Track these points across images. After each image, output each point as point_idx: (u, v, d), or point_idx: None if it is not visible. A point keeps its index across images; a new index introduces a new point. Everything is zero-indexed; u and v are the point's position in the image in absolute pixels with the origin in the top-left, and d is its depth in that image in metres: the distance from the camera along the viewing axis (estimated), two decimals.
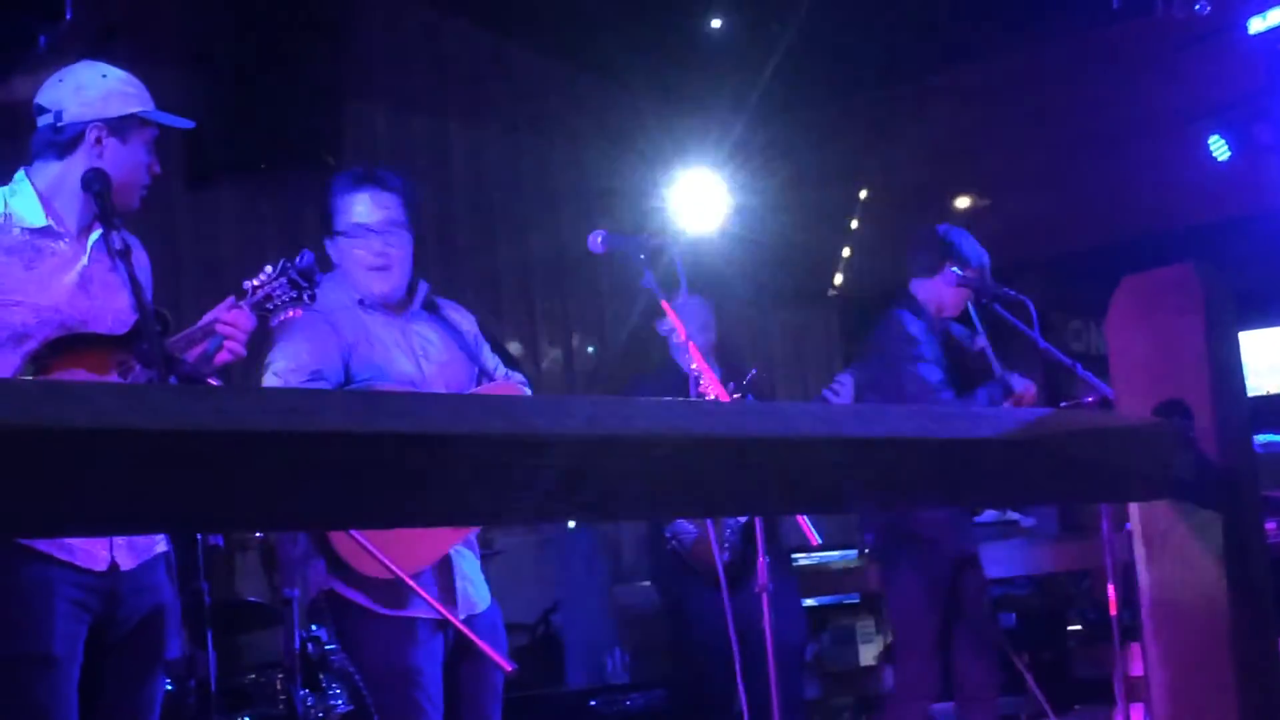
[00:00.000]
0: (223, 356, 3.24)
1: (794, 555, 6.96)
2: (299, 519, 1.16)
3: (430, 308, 3.85)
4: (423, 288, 3.83)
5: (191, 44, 6.84)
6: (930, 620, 4.90)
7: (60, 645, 3.03)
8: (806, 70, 8.65)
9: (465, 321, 3.94)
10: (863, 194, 9.12)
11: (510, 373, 3.96)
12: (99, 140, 3.24)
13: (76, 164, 3.24)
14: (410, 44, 8.18)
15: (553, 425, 0.90)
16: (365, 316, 3.71)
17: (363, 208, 3.74)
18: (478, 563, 3.79)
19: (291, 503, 0.98)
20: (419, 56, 8.22)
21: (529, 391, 4.01)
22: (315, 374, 3.58)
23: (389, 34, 8.02)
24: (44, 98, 3.29)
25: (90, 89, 3.26)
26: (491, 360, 3.92)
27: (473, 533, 3.75)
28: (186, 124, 3.41)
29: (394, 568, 3.34)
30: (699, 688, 5.52)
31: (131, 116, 3.26)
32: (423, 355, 3.75)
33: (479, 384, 3.84)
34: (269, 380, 3.59)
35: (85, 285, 3.23)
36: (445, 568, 3.63)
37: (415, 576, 3.47)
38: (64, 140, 3.24)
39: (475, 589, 3.71)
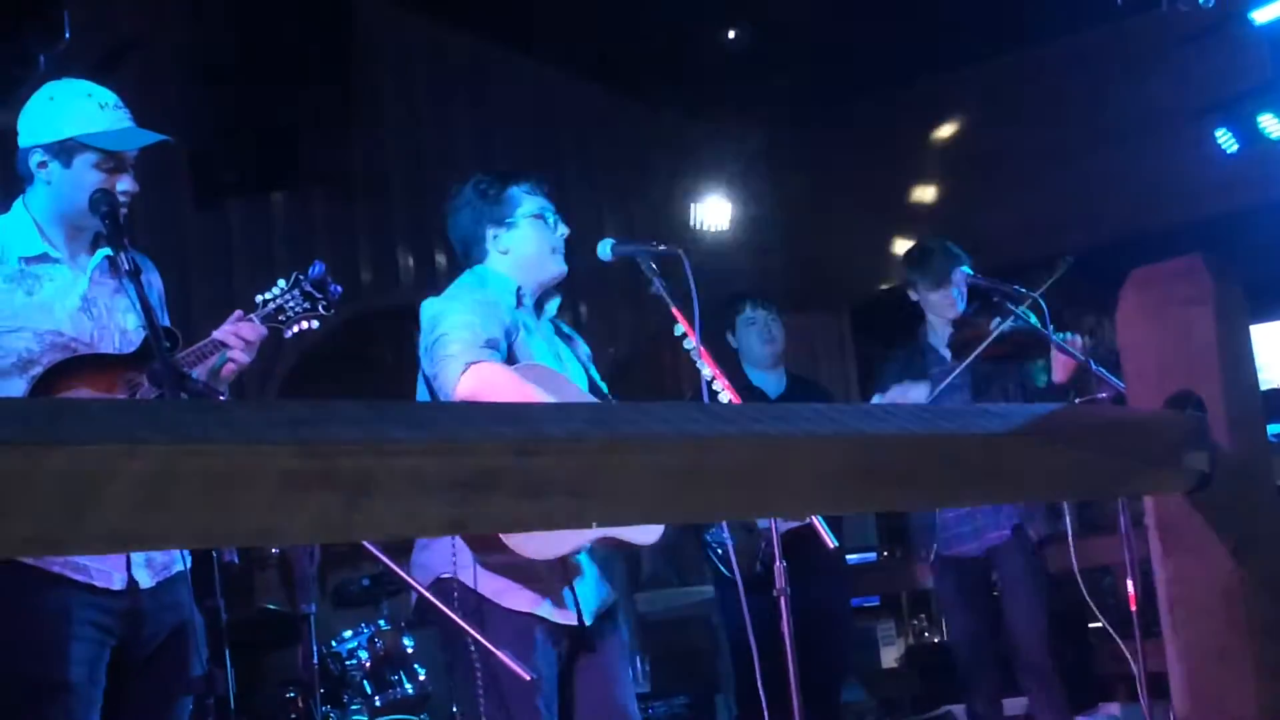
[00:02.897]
0: (230, 367, 3.26)
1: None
2: (309, 532, 1.15)
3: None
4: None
5: (197, 62, 6.85)
6: None
7: (76, 671, 3.01)
8: (815, 80, 8.65)
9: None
10: (870, 197, 9.12)
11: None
12: (43, 165, 3.19)
13: (40, 190, 3.22)
14: (417, 60, 8.19)
15: (561, 430, 0.89)
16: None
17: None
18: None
19: (301, 515, 0.97)
20: (426, 72, 8.23)
21: None
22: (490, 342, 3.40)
23: (396, 50, 8.03)
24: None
25: (33, 113, 3.22)
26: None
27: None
28: (126, 146, 3.22)
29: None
30: (736, 688, 5.57)
31: (71, 139, 3.17)
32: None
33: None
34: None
35: (88, 308, 3.22)
36: (567, 568, 3.52)
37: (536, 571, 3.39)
38: (25, 167, 3.23)
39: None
